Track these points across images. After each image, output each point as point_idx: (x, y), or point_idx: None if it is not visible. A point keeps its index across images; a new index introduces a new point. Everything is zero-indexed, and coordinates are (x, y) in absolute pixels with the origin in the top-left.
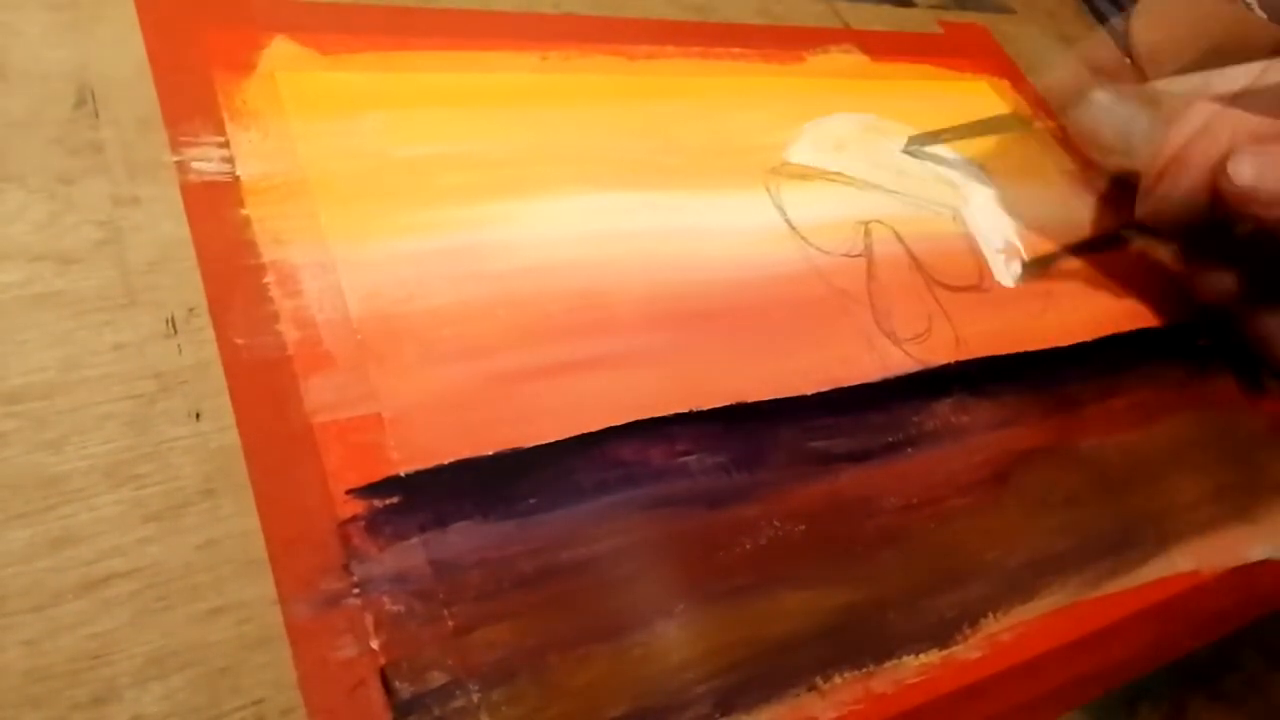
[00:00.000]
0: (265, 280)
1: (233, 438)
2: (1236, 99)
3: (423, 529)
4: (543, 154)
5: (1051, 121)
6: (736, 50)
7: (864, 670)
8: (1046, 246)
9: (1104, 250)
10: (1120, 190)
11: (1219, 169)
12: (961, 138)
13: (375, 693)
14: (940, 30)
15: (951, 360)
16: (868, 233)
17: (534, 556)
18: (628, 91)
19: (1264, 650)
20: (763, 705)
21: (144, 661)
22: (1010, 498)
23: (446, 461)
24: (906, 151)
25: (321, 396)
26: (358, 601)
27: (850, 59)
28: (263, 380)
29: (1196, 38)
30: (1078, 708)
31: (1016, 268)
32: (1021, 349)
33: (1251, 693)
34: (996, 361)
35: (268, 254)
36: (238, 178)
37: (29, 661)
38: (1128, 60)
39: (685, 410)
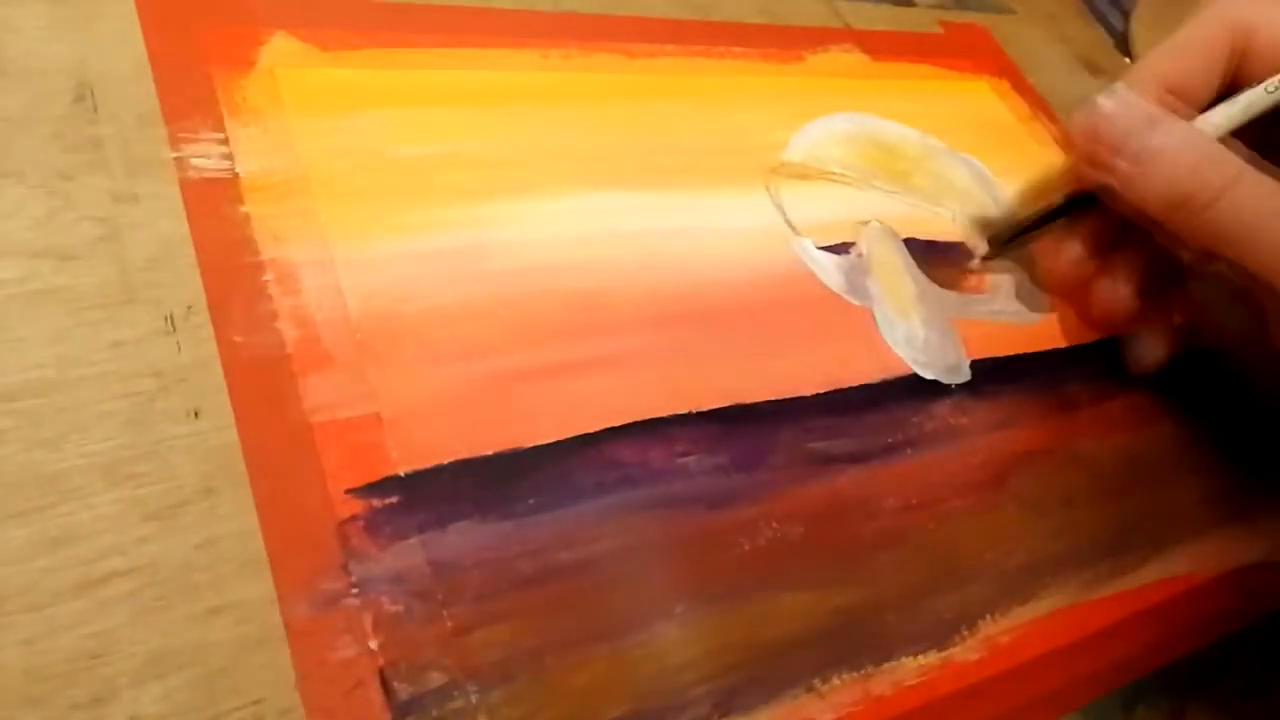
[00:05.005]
0: (264, 278)
1: (231, 436)
2: None
3: (422, 529)
4: (543, 153)
5: (1052, 122)
6: (737, 49)
7: (862, 672)
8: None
9: (1072, 213)
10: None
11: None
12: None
13: (374, 693)
14: (940, 30)
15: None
16: (867, 233)
17: (533, 557)
18: (628, 90)
19: (1261, 652)
20: (761, 707)
21: (142, 661)
22: (1009, 499)
23: (446, 461)
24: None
25: (321, 395)
26: (356, 601)
27: (850, 59)
28: (262, 379)
29: None
30: (1076, 710)
31: (983, 247)
32: (1021, 350)
33: (1249, 695)
34: (996, 363)
35: (267, 252)
36: (237, 175)
37: (27, 661)
38: (1127, 60)
39: (684, 411)
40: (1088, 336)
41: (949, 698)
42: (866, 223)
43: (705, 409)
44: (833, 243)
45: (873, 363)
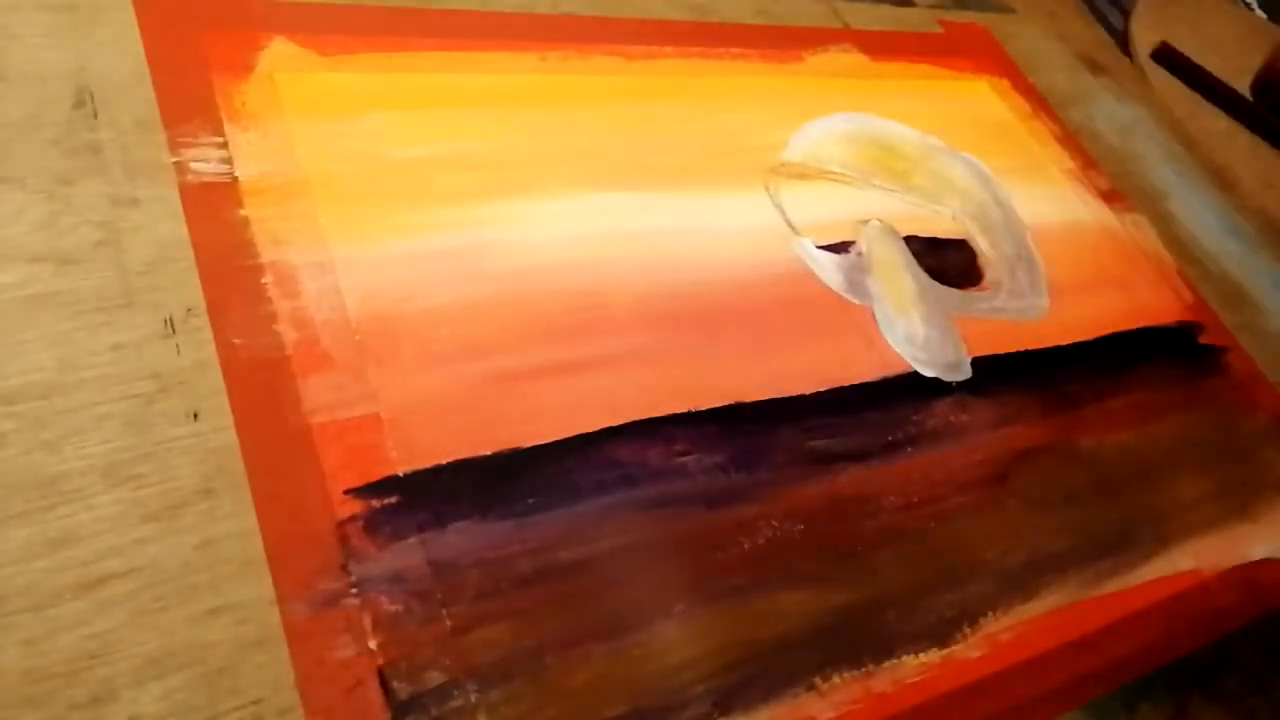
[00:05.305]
0: (264, 281)
1: (231, 438)
2: None
3: (421, 529)
4: (541, 154)
5: (1052, 121)
6: (735, 50)
7: (863, 670)
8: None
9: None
10: None
11: None
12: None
13: (373, 693)
14: (940, 30)
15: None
16: (867, 231)
17: (532, 556)
18: (627, 92)
19: (1264, 649)
20: (762, 705)
21: (142, 662)
22: (1010, 497)
23: (445, 461)
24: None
25: (320, 397)
26: (356, 601)
27: (849, 59)
28: (261, 380)
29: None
30: (1078, 707)
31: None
32: (1021, 348)
33: (1252, 692)
34: (996, 360)
35: (266, 254)
36: (236, 178)
37: (27, 661)
38: (1127, 60)
39: (683, 410)
40: (1089, 334)
41: (950, 695)
42: (866, 222)
43: (704, 408)
44: (832, 242)
45: (873, 361)
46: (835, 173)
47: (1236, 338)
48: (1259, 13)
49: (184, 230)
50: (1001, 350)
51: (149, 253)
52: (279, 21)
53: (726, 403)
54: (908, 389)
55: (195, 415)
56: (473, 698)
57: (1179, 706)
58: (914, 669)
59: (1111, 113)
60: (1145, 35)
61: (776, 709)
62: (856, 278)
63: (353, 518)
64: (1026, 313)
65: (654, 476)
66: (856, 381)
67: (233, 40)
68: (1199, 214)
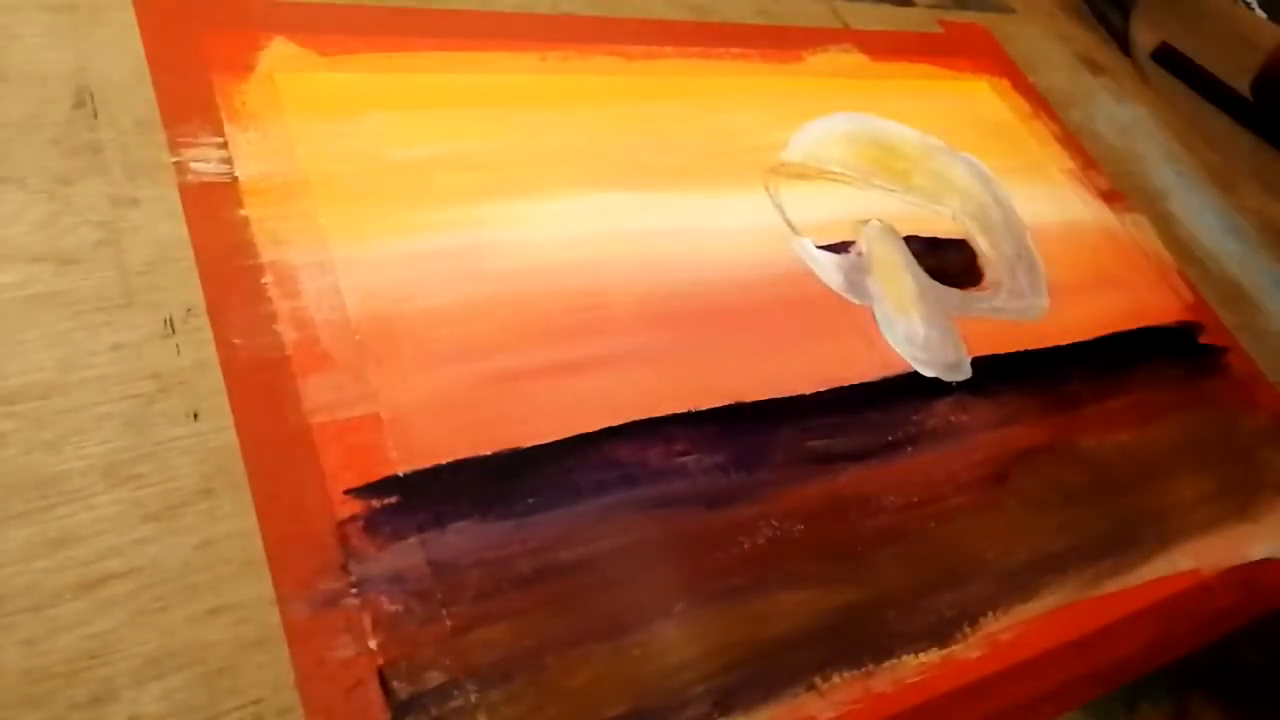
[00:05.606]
0: (264, 280)
1: (231, 438)
2: None
3: (421, 529)
4: (541, 154)
5: (1052, 121)
6: (735, 50)
7: (863, 670)
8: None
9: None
10: None
11: None
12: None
13: (373, 693)
14: (940, 30)
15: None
16: (867, 231)
17: (532, 556)
18: (627, 92)
19: (1264, 649)
20: (761, 705)
21: (142, 662)
22: (1010, 497)
23: (445, 461)
24: None
25: (320, 397)
26: (356, 601)
27: (849, 59)
28: (261, 380)
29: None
30: (1078, 707)
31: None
32: (1021, 348)
33: (1253, 692)
34: (996, 360)
35: (266, 254)
36: (236, 178)
37: (27, 661)
38: (1127, 60)
39: (683, 410)
40: (1089, 334)
41: (950, 695)
42: (866, 222)
43: (704, 408)
44: (832, 242)
45: (873, 361)
46: (835, 173)
47: (1236, 338)
48: (1259, 13)
49: (184, 230)
50: (1001, 350)
51: (149, 253)
52: (279, 21)
53: (726, 403)
54: (908, 389)
55: (195, 415)
56: (473, 698)
57: (1179, 706)
58: (914, 669)
59: (1111, 113)
60: (1145, 35)
61: (776, 709)
62: (856, 278)
63: (353, 518)
64: (1026, 313)
65: (654, 476)
66: (856, 381)
67: (233, 40)
68: (1199, 214)
